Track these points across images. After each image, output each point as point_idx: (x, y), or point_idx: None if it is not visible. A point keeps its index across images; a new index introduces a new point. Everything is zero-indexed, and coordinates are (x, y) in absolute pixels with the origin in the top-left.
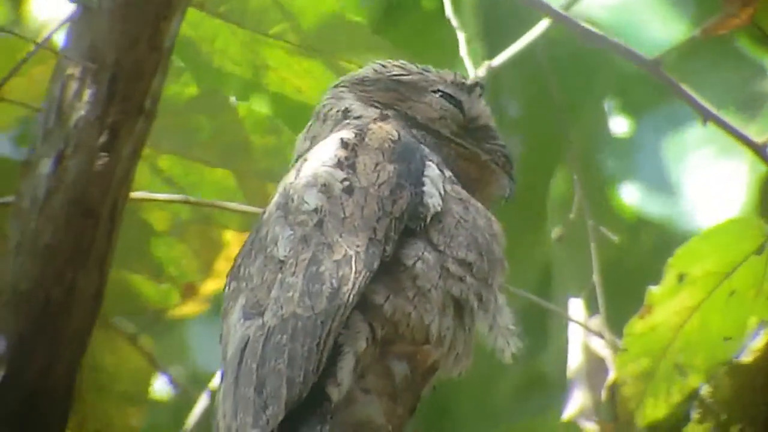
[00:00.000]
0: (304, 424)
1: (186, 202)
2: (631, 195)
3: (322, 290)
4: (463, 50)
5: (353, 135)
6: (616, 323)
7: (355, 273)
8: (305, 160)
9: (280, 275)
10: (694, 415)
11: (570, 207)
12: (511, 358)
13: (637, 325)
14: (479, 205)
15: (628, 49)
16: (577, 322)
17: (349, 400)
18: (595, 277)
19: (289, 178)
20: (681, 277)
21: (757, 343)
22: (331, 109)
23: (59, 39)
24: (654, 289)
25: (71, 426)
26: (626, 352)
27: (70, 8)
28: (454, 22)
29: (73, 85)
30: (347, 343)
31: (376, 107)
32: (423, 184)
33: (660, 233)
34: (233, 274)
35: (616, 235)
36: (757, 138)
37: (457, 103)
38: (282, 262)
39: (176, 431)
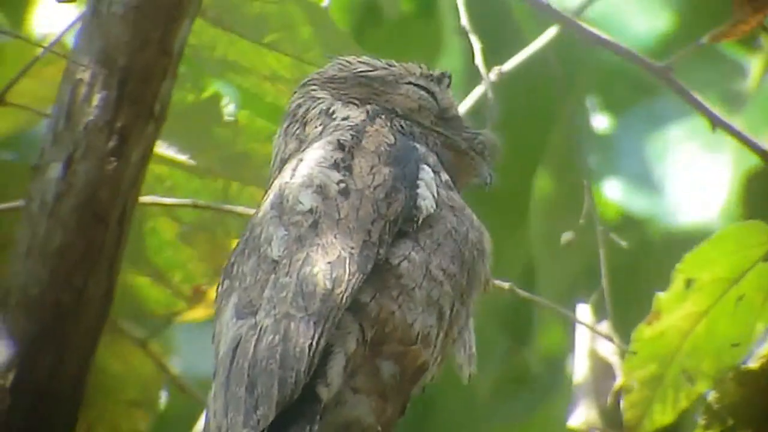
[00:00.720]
0: (294, 424)
1: (195, 206)
2: (613, 192)
3: (315, 291)
4: (478, 58)
5: (350, 137)
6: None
7: (349, 275)
8: (300, 160)
9: (273, 275)
10: (701, 420)
11: (560, 207)
12: (467, 379)
13: (644, 331)
14: (474, 217)
15: (637, 55)
16: (583, 324)
17: (338, 400)
18: (604, 283)
19: (284, 177)
20: (689, 283)
21: (765, 349)
22: (309, 109)
23: (69, 42)
24: (662, 295)
25: (80, 430)
26: (634, 358)
27: (78, 13)
28: (475, 42)
29: (83, 89)
30: (337, 343)
31: (356, 105)
32: (417, 187)
33: (643, 231)
34: (226, 272)
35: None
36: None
37: (431, 94)
38: (276, 262)
39: None
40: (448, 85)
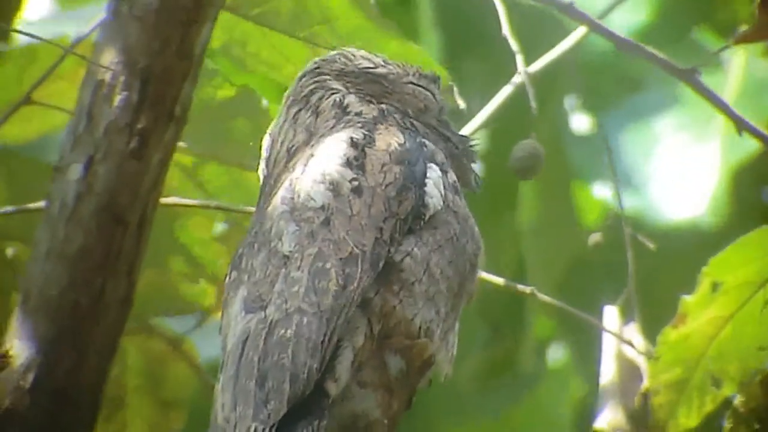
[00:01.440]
0: (302, 419)
1: (218, 208)
2: (601, 191)
3: (328, 287)
4: (520, 67)
5: (362, 135)
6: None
7: (361, 272)
8: (312, 155)
9: (284, 270)
10: (727, 424)
11: (547, 205)
12: (444, 378)
13: (670, 334)
14: (475, 229)
15: (662, 58)
16: (604, 328)
17: (345, 394)
18: (630, 285)
19: (295, 172)
20: (715, 287)
21: None
22: (323, 98)
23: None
24: (688, 298)
25: (113, 430)
26: (659, 361)
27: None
28: (513, 45)
29: (104, 91)
30: (346, 338)
31: (369, 101)
32: (425, 185)
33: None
34: (234, 264)
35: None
36: None
37: (432, 94)
38: (287, 257)
39: None
40: (439, 87)
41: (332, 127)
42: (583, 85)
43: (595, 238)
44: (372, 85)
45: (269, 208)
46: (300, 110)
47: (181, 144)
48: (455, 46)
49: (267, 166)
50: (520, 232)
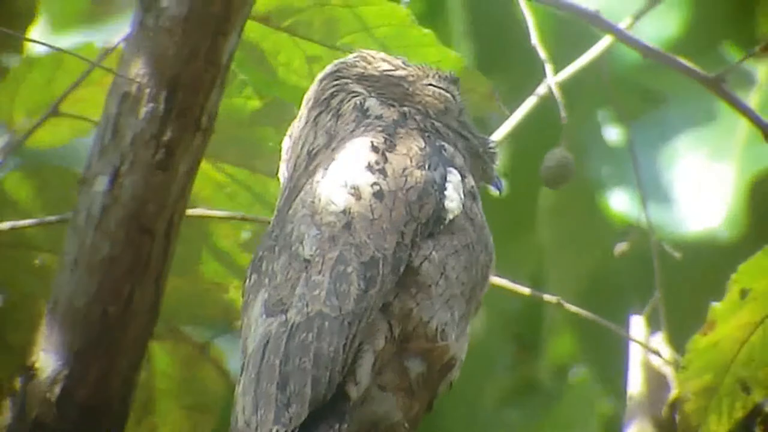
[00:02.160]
0: (323, 422)
1: (243, 219)
2: (620, 202)
3: (349, 291)
4: (549, 76)
5: (383, 139)
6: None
7: (382, 276)
8: (333, 159)
9: (305, 274)
10: (758, 430)
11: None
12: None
13: (699, 341)
14: (490, 240)
15: (689, 66)
16: (631, 338)
17: (365, 398)
18: (657, 295)
19: (316, 176)
20: (744, 293)
21: None
22: (344, 101)
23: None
24: (717, 305)
25: None
26: (688, 368)
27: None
28: (541, 53)
29: (130, 102)
30: (366, 341)
31: (390, 104)
32: (445, 188)
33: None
34: (254, 266)
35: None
36: None
37: (452, 96)
38: (307, 261)
39: None
40: (458, 88)
41: (353, 131)
42: (610, 98)
43: (621, 247)
44: (392, 88)
45: (290, 212)
46: (321, 113)
47: (210, 155)
48: (486, 56)
49: (287, 169)
50: (541, 245)
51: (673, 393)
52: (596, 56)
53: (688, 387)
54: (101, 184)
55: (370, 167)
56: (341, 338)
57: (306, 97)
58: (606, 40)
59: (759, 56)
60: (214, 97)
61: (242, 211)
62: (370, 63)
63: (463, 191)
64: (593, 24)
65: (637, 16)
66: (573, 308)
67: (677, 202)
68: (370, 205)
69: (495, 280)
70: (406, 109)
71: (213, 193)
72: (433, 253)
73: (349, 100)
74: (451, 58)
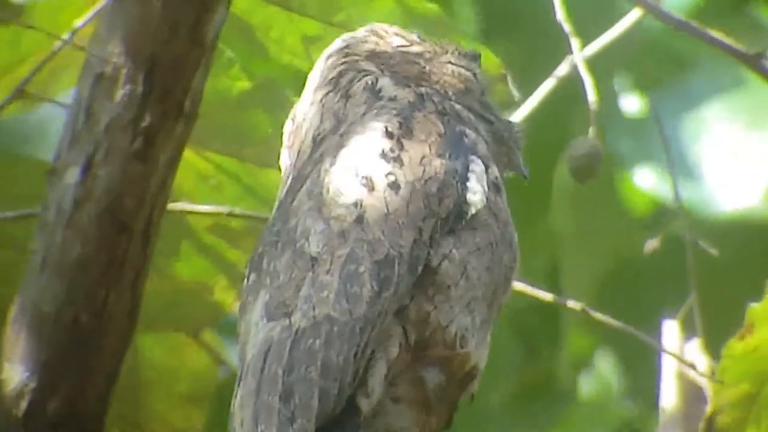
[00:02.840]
0: None
1: (230, 214)
2: (646, 180)
3: (362, 293)
4: (576, 55)
5: (398, 124)
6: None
7: (398, 277)
8: (342, 146)
9: (311, 273)
10: None
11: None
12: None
13: (736, 347)
14: (515, 238)
15: (725, 42)
16: (656, 345)
17: (378, 411)
18: (693, 296)
19: (323, 164)
20: None
21: None
22: (353, 80)
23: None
24: (755, 306)
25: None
26: (723, 377)
27: None
28: (565, 27)
29: (104, 84)
30: (378, 348)
31: (405, 84)
32: (467, 179)
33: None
34: (253, 265)
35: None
36: None
37: (473, 74)
38: (314, 258)
39: None
40: (480, 66)
41: (364, 114)
42: (633, 65)
43: (652, 244)
44: (407, 66)
45: (294, 204)
46: (327, 94)
47: (193, 143)
48: (494, 27)
49: (289, 156)
50: (556, 233)
51: (711, 406)
52: (625, 29)
53: (724, 397)
54: (73, 175)
55: (384, 155)
56: (352, 346)
57: (311, 76)
58: (635, 13)
59: None
60: (199, 78)
61: (230, 204)
62: (382, 38)
63: (487, 183)
64: None
65: None
66: (600, 316)
67: (706, 179)
68: (385, 198)
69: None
70: (422, 89)
71: (196, 186)
72: (454, 250)
73: (359, 80)
74: (454, 34)
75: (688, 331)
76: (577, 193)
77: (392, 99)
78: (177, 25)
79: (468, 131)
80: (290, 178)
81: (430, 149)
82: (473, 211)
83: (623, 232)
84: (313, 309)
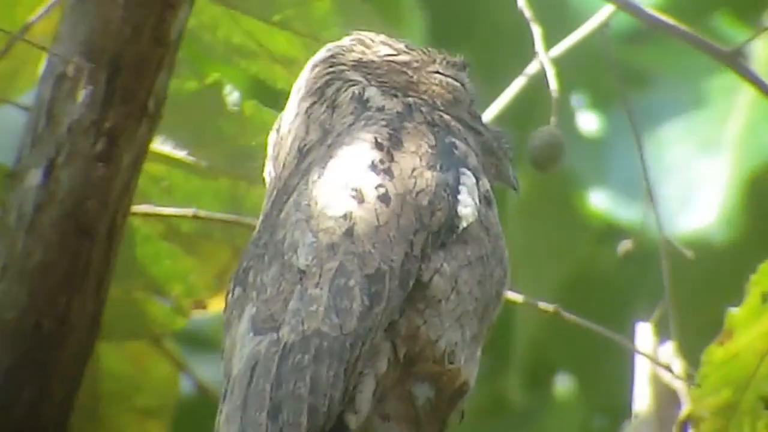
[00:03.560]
0: None
1: (196, 217)
2: (600, 200)
3: (352, 308)
4: (538, 45)
5: (387, 135)
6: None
7: (389, 291)
8: (330, 157)
9: (299, 286)
10: None
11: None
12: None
13: (716, 352)
14: (506, 253)
15: (703, 40)
16: (632, 347)
17: (366, 428)
18: (666, 299)
19: (311, 176)
20: (765, 297)
21: None
22: (340, 90)
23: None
24: (735, 311)
25: None
26: (703, 383)
27: None
28: (527, 14)
29: (66, 84)
30: (367, 364)
31: (393, 94)
32: (458, 192)
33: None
34: (238, 279)
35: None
36: None
37: (462, 85)
38: (303, 271)
39: None
40: (468, 75)
41: (351, 125)
42: (591, 83)
43: (625, 245)
44: (394, 75)
45: (281, 216)
46: (313, 104)
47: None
48: (444, 32)
49: (274, 168)
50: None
51: (685, 410)
52: (595, 28)
53: (704, 404)
54: (34, 178)
55: (373, 166)
56: (342, 362)
57: (296, 85)
58: (605, 11)
59: None
60: (163, 78)
61: (180, 207)
62: (368, 47)
63: (478, 196)
64: None
65: None
66: (572, 317)
67: (663, 199)
68: (375, 210)
69: None
70: (410, 99)
71: (146, 187)
72: (444, 264)
73: (345, 90)
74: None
75: (662, 335)
76: (531, 209)
77: (380, 109)
78: (140, 25)
79: (458, 143)
80: (275, 190)
81: (421, 161)
82: (464, 224)
83: (580, 245)
84: (302, 323)
